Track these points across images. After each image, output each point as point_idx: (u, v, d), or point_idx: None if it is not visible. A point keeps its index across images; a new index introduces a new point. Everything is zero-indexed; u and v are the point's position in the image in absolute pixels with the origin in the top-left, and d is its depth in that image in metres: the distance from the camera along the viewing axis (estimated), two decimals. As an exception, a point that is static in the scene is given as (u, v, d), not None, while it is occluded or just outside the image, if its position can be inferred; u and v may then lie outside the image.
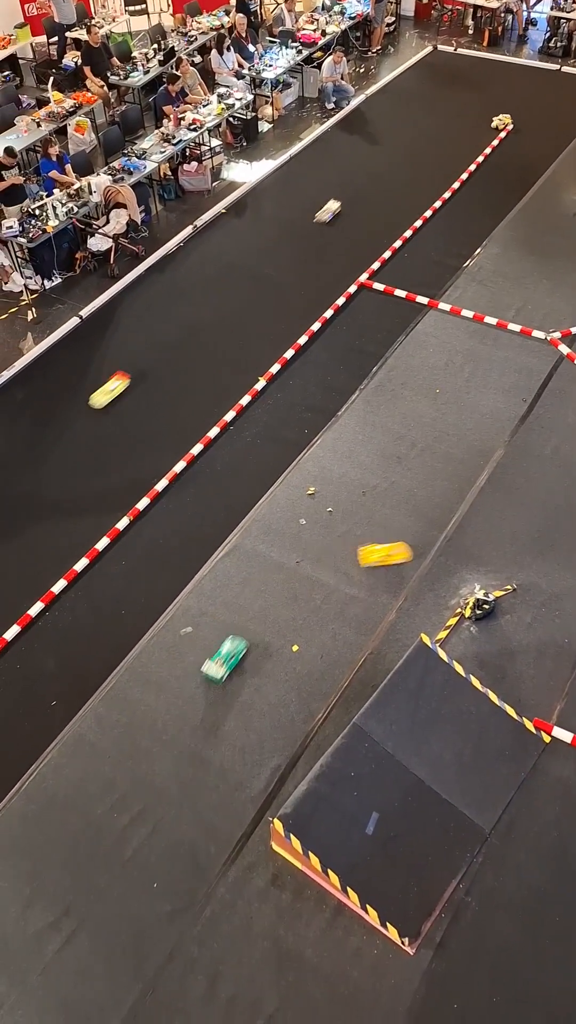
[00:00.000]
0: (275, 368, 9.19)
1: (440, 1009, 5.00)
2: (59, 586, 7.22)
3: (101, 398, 8.74)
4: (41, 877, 5.58)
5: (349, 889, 5.25)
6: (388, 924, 5.19)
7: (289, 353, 9.37)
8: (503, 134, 13.09)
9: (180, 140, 11.89)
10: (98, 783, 6.01)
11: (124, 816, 5.83)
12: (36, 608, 7.07)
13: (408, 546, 7.09)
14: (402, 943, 5.16)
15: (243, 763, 6.07)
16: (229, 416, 8.68)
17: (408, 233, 11.07)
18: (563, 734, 6.09)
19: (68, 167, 11.08)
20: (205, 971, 5.16)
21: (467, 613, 6.79)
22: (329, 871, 5.28)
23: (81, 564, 7.37)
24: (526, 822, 5.70)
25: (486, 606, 6.78)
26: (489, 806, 5.71)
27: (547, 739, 6.08)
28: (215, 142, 12.73)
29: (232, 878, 5.52)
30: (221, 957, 5.21)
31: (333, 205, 11.34)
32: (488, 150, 12.71)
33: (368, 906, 5.22)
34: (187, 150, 12.16)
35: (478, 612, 6.76)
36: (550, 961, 5.16)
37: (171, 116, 12.10)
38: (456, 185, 11.93)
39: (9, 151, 11.00)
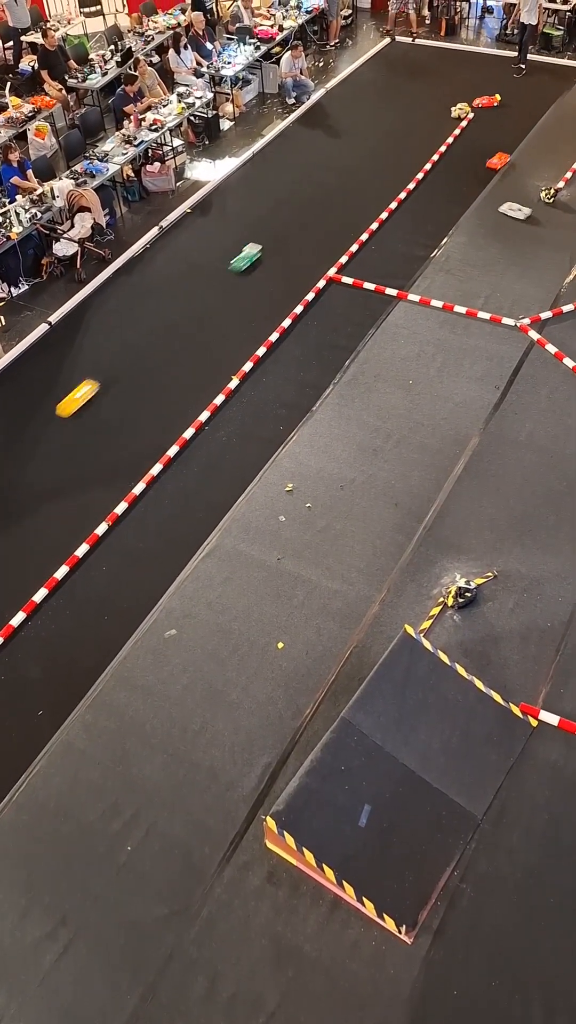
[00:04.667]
0: (248, 366, 9.19)
1: (440, 996, 5.04)
2: (40, 595, 7.18)
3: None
4: (36, 887, 5.55)
5: (345, 882, 5.27)
6: (385, 915, 5.21)
7: (261, 351, 9.36)
8: (464, 123, 13.14)
9: (142, 141, 11.83)
10: (89, 790, 5.99)
11: (116, 821, 5.82)
12: (18, 618, 7.02)
13: (92, 380, 8.30)
14: (400, 933, 5.19)
15: (233, 762, 6.07)
16: (204, 416, 8.66)
17: (374, 226, 11.09)
18: (550, 717, 6.14)
19: (30, 172, 10.99)
20: (204, 971, 5.16)
21: (450, 602, 6.83)
22: (324, 866, 5.29)
23: (61, 572, 7.33)
24: (517, 806, 5.75)
25: (468, 594, 6.82)
26: (480, 792, 5.75)
27: (534, 723, 6.13)
28: (177, 142, 12.68)
29: (227, 878, 5.52)
30: (220, 957, 5.22)
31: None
32: (450, 139, 12.77)
33: (364, 898, 5.25)
34: (149, 151, 12.10)
35: (460, 600, 6.80)
36: (547, 943, 5.21)
37: (132, 116, 12.04)
38: (420, 176, 11.97)
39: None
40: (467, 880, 5.45)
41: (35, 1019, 5.04)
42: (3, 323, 9.98)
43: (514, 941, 5.23)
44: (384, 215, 11.26)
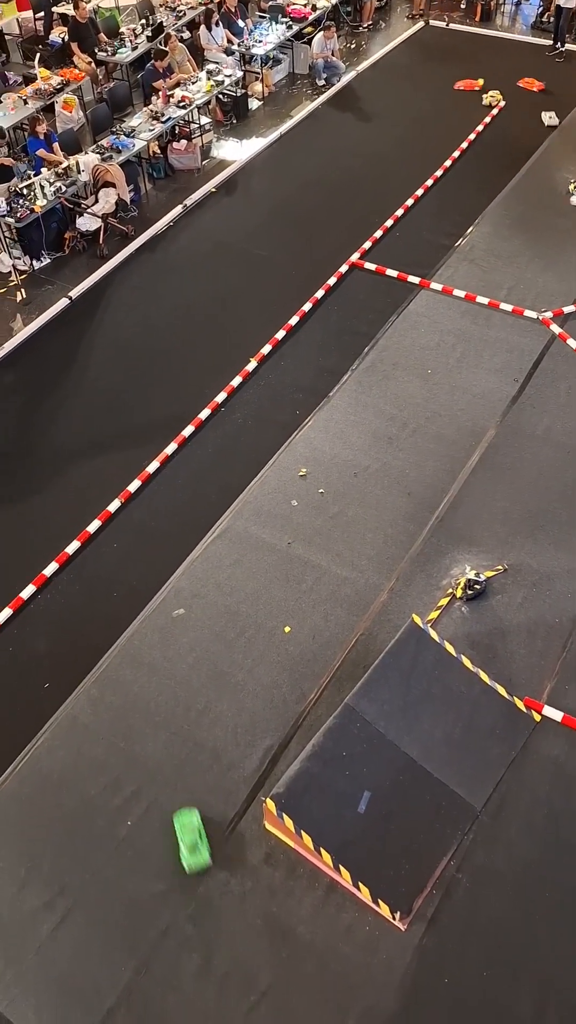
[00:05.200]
0: (266, 349, 9.16)
1: (432, 984, 5.07)
2: (51, 569, 7.21)
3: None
4: (36, 858, 5.61)
5: (341, 867, 5.30)
6: (380, 901, 5.24)
7: (281, 334, 9.33)
8: (495, 111, 12.99)
9: (169, 118, 11.77)
10: (92, 764, 6.03)
11: (118, 796, 5.86)
12: (28, 591, 7.06)
13: None
14: (394, 919, 5.22)
15: (236, 744, 6.10)
16: (220, 397, 8.65)
17: (400, 212, 11.00)
18: (553, 713, 6.14)
19: (56, 145, 10.97)
20: (199, 948, 5.21)
21: (458, 593, 6.81)
22: (322, 849, 5.32)
23: (73, 547, 7.36)
24: (517, 800, 5.76)
25: (477, 586, 6.80)
26: (480, 784, 5.76)
27: (537, 718, 6.12)
28: (205, 120, 12.60)
29: (225, 856, 5.56)
30: (214, 934, 5.26)
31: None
32: (480, 127, 12.62)
33: (360, 883, 5.28)
34: (176, 128, 12.03)
35: (469, 592, 6.78)
36: (540, 936, 5.23)
37: (160, 92, 11.96)
38: (448, 163, 11.86)
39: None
40: (463, 871, 5.46)
41: (31, 987, 5.11)
42: (24, 296, 9.98)
43: (508, 934, 5.25)
44: (410, 202, 11.16)
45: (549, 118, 12.67)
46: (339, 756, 5.61)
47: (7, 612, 6.92)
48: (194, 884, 5.44)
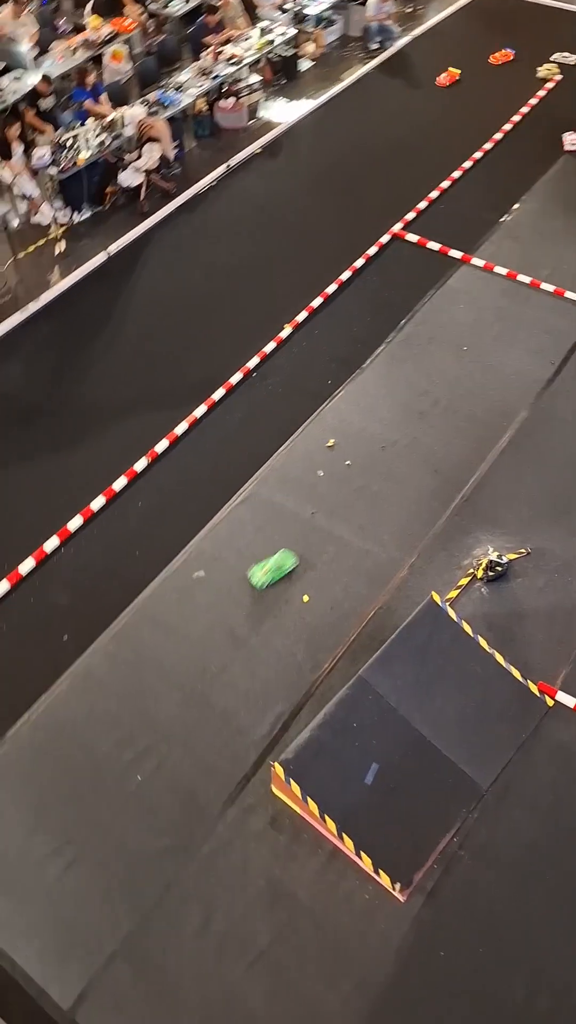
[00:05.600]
0: (302, 316, 9.08)
1: (426, 956, 5.13)
2: (75, 523, 7.27)
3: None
4: (45, 805, 5.72)
5: (345, 835, 5.35)
6: (381, 871, 5.30)
7: (317, 301, 9.24)
8: (550, 84, 12.66)
9: (218, 75, 11.59)
10: (105, 719, 6.12)
11: (128, 752, 5.95)
12: (52, 543, 7.13)
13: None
14: (393, 890, 5.27)
15: (247, 708, 6.15)
16: (253, 362, 8.61)
17: (445, 184, 10.80)
18: (567, 699, 6.13)
19: (103, 97, 10.85)
20: (200, 906, 5.30)
21: (479, 574, 6.79)
22: (326, 817, 5.38)
23: (98, 503, 7.41)
24: (523, 783, 5.77)
25: (499, 568, 6.77)
26: (488, 764, 5.77)
27: (550, 703, 6.12)
28: (254, 78, 12.38)
29: (231, 818, 5.64)
30: (216, 893, 5.35)
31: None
32: (533, 100, 12.31)
33: (362, 853, 5.33)
34: (224, 85, 11.85)
35: (490, 574, 6.76)
36: (537, 917, 5.27)
37: (210, 48, 11.77)
38: (498, 135, 11.59)
39: (45, 79, 10.76)
40: (465, 848, 5.50)
41: (35, 929, 5.24)
42: (64, 249, 9.95)
43: (506, 913, 5.29)
44: (457, 174, 10.95)
45: None
46: (350, 727, 5.64)
47: (30, 563, 6.99)
48: (199, 843, 5.53)
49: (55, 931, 5.23)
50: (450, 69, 12.84)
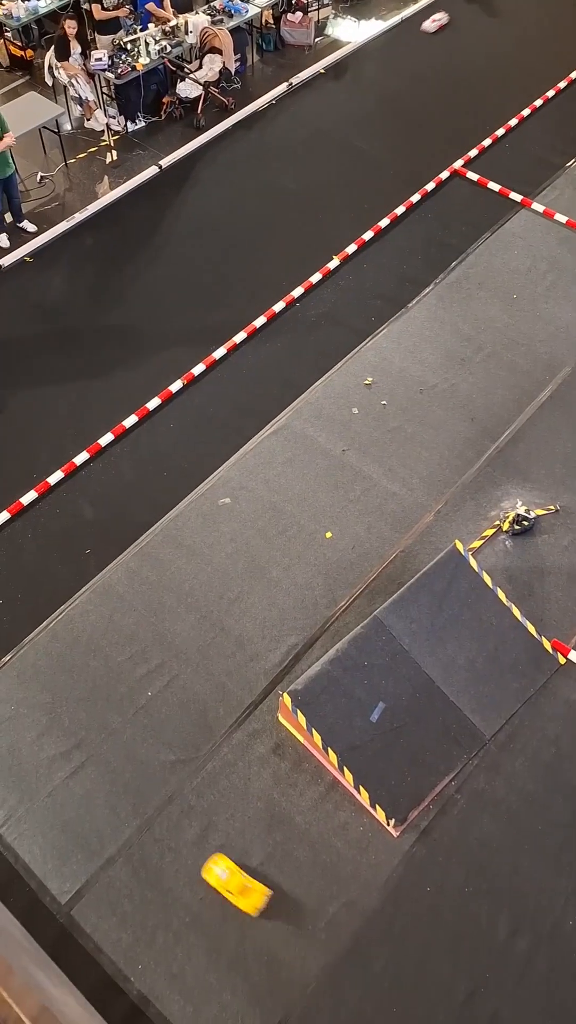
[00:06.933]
0: (351, 249, 8.89)
1: (414, 890, 5.29)
2: (106, 439, 7.29)
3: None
4: (58, 710, 5.89)
5: (346, 768, 5.47)
6: (378, 806, 5.42)
7: (368, 235, 9.02)
8: None
9: (288, -14, 11.14)
10: (121, 633, 6.24)
11: (142, 667, 6.08)
12: (81, 457, 7.17)
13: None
14: (388, 825, 5.41)
15: (262, 636, 6.24)
16: (297, 292, 8.47)
17: (513, 122, 10.39)
18: (579, 658, 6.16)
19: (167, 2, 10.47)
20: (199, 819, 5.48)
21: (505, 527, 6.76)
22: (329, 749, 5.49)
23: (130, 420, 7.41)
24: (526, 735, 5.85)
25: (525, 523, 6.73)
26: (494, 714, 5.85)
27: (562, 660, 6.15)
28: (324, -8, 11.91)
29: (236, 740, 5.78)
30: (216, 809, 5.52)
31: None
32: (616, 40, 11.75)
33: (361, 787, 5.45)
34: (294, -2, 11.40)
35: (516, 528, 6.72)
36: (525, 865, 5.39)
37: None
38: (574, 74, 11.10)
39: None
40: (462, 792, 5.61)
41: (39, 826, 5.44)
42: (115, 158, 9.75)
43: (495, 856, 5.42)
44: (527, 112, 10.52)
45: None
46: (360, 665, 5.71)
47: (59, 475, 7.05)
48: (203, 761, 5.68)
49: (59, 830, 5.44)
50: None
